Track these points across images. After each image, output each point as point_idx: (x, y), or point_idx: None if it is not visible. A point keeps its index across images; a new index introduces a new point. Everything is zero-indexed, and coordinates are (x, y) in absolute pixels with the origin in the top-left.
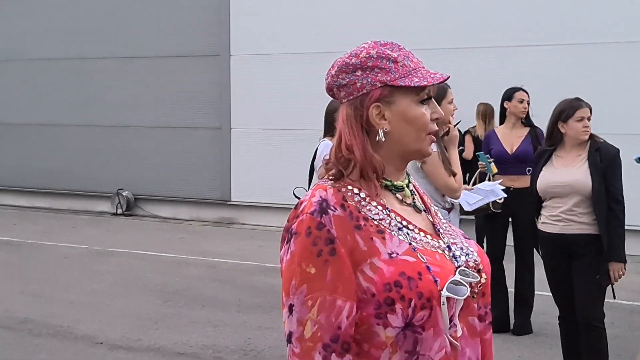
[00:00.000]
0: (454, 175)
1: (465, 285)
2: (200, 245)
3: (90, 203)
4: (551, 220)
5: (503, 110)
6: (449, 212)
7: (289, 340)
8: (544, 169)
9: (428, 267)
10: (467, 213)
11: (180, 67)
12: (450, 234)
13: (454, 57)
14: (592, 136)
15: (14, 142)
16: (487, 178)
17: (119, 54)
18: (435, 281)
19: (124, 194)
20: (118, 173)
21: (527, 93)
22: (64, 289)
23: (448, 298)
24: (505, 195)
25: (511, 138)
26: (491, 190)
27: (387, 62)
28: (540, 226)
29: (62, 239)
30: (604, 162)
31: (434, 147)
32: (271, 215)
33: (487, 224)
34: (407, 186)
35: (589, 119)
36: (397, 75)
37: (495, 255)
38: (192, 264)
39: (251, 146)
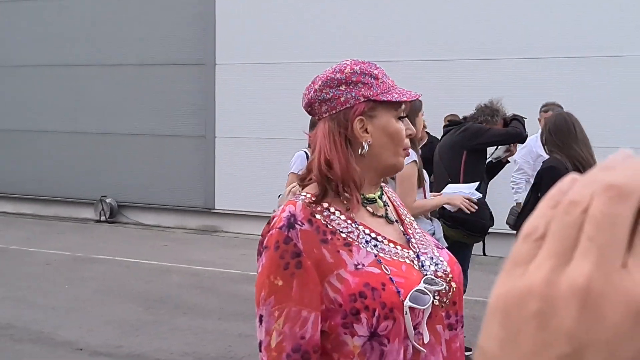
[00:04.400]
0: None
1: (428, 295)
2: (183, 253)
3: (74, 210)
4: None
5: None
6: (432, 222)
7: (259, 349)
8: None
9: (391, 279)
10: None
11: (165, 75)
12: (422, 244)
13: (444, 68)
14: (551, 152)
15: None
16: None
17: (105, 62)
18: (398, 292)
19: (107, 200)
20: (102, 180)
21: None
22: (46, 295)
23: (412, 308)
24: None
25: None
26: (470, 192)
27: (370, 78)
28: None
29: (45, 246)
30: (537, 177)
31: (413, 157)
32: (255, 224)
33: None
34: (380, 198)
35: None
36: (379, 91)
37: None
38: (175, 271)
39: (235, 155)
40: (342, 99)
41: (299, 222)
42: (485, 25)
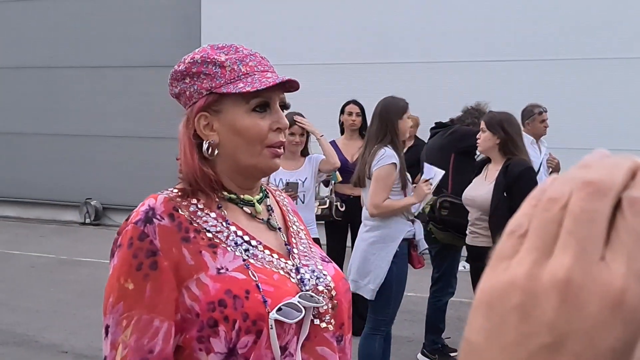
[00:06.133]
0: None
1: (301, 310)
2: None
3: (58, 212)
4: (468, 231)
5: (341, 123)
6: (413, 223)
7: None
8: (475, 179)
9: (258, 286)
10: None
11: (149, 77)
12: (305, 256)
13: (431, 70)
14: (510, 152)
15: None
16: (331, 185)
17: (88, 64)
18: (265, 302)
19: (92, 203)
20: (86, 182)
21: (358, 106)
22: (30, 298)
23: (280, 322)
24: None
25: (351, 148)
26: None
27: (213, 67)
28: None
29: (29, 249)
30: (509, 178)
31: (393, 159)
32: None
33: (327, 231)
34: (260, 202)
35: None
36: (222, 81)
37: (336, 263)
38: None
39: None
40: (188, 93)
41: (158, 217)
42: (472, 27)
